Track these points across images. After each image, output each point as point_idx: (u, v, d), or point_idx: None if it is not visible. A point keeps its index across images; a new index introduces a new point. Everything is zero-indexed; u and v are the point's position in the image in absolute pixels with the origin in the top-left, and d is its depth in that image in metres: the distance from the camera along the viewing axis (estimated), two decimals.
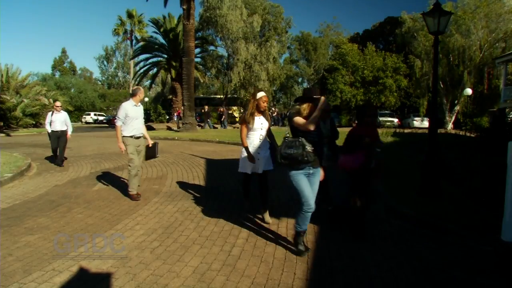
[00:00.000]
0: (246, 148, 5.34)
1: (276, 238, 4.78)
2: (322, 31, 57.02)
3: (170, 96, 42.52)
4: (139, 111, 6.91)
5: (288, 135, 4.31)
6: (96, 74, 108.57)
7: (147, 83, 54.68)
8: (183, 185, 8.00)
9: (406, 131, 24.48)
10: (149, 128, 21.99)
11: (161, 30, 37.83)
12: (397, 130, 24.82)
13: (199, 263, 4.03)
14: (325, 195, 6.05)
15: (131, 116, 6.70)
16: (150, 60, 39.12)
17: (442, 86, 34.64)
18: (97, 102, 61.35)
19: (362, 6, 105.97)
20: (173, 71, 37.31)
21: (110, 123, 45.39)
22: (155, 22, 38.19)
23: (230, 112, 39.95)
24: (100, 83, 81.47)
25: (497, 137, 12.32)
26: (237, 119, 36.81)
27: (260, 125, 5.38)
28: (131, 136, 6.72)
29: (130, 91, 7.04)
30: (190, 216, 5.78)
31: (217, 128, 31.78)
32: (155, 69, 40.62)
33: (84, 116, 53.14)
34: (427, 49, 34.96)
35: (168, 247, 4.48)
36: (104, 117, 51.73)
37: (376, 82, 39.59)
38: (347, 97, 39.99)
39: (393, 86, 39.15)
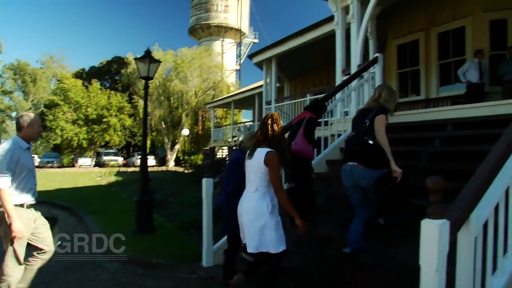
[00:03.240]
0: (294, 210, 3.33)
1: None
2: (45, 62, 52.08)
3: None
4: (31, 156, 3.93)
5: None
6: None
7: None
8: None
9: (130, 170, 24.90)
10: None
11: None
12: (121, 169, 24.96)
13: None
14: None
15: (26, 166, 3.72)
16: None
17: (164, 126, 37.33)
18: None
19: (91, 42, 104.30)
20: None
21: None
22: None
23: None
24: None
25: (208, 173, 13.92)
26: None
27: None
28: (22, 205, 3.66)
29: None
30: None
31: None
32: None
33: None
34: (149, 91, 36.97)
35: None
36: None
37: (101, 120, 39.03)
38: (69, 136, 37.72)
39: (118, 125, 39.49)
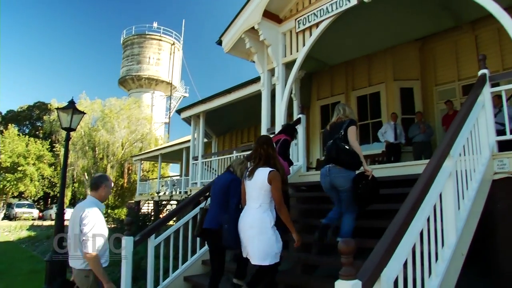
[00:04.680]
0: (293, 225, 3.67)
1: None
2: None
3: None
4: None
5: None
6: None
7: None
8: None
9: (46, 223, 23.10)
10: None
11: None
12: (36, 223, 23.07)
13: None
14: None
15: (104, 228, 3.54)
16: None
17: (87, 177, 35.40)
18: None
19: (11, 84, 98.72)
20: None
21: None
22: None
23: None
24: None
25: (129, 231, 13.26)
26: None
27: None
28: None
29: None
30: None
31: None
32: None
33: None
34: (73, 140, 35.36)
35: None
36: None
37: (15, 169, 36.16)
38: None
39: (35, 175, 36.82)
